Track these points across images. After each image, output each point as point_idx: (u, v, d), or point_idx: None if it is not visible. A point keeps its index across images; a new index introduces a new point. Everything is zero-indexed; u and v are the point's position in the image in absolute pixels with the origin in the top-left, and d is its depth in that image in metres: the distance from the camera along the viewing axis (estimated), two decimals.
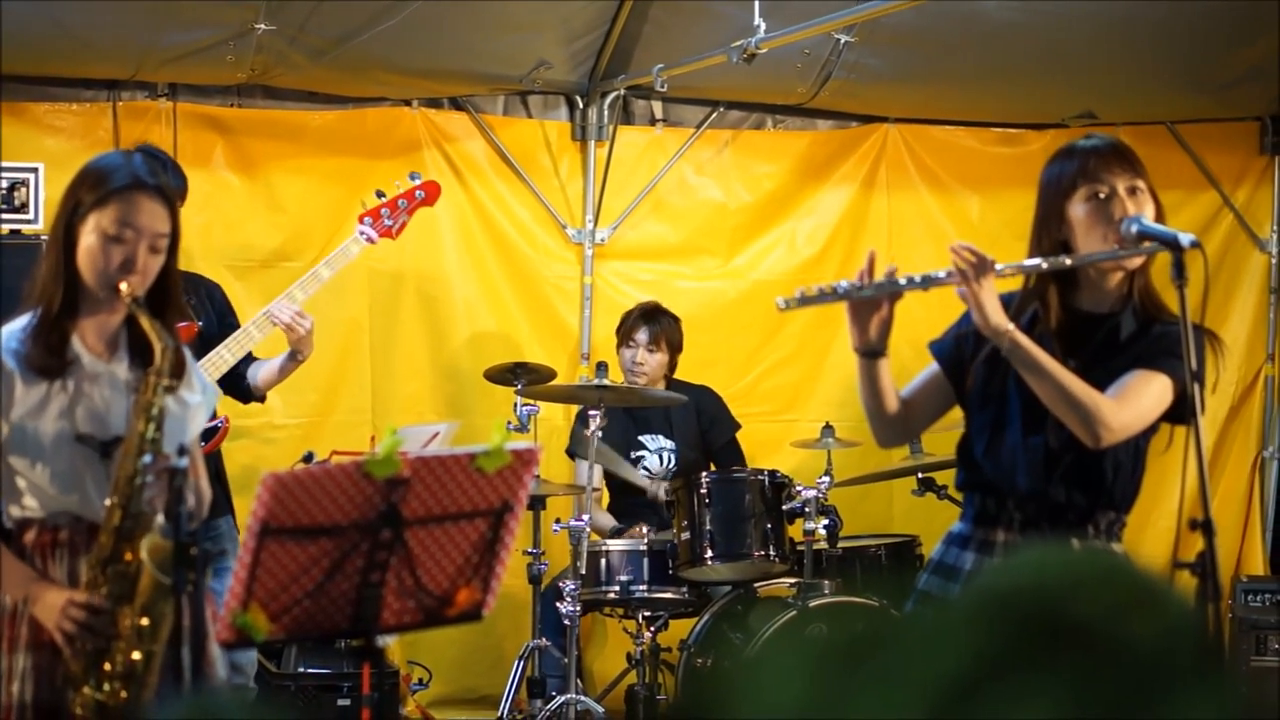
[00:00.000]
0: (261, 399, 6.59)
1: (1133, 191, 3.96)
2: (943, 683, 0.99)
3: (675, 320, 7.85)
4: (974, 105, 8.67)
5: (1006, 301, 4.03)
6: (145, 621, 3.86)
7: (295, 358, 6.33)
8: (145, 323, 3.96)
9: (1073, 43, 7.69)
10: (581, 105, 8.47)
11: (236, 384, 6.38)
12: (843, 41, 7.67)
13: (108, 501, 3.90)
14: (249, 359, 6.37)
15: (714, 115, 8.65)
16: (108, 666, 3.88)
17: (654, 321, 7.77)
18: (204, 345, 6.20)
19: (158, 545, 3.74)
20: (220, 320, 6.40)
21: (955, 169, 8.82)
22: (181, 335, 6.16)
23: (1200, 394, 3.76)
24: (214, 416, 6.27)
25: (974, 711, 0.98)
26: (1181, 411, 3.86)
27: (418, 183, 6.79)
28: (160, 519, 3.85)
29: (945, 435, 5.29)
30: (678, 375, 7.88)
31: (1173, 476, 3.81)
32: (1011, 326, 3.91)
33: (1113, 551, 4.06)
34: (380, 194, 6.70)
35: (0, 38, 6.81)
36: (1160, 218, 3.99)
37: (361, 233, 6.59)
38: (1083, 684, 0.96)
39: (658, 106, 8.66)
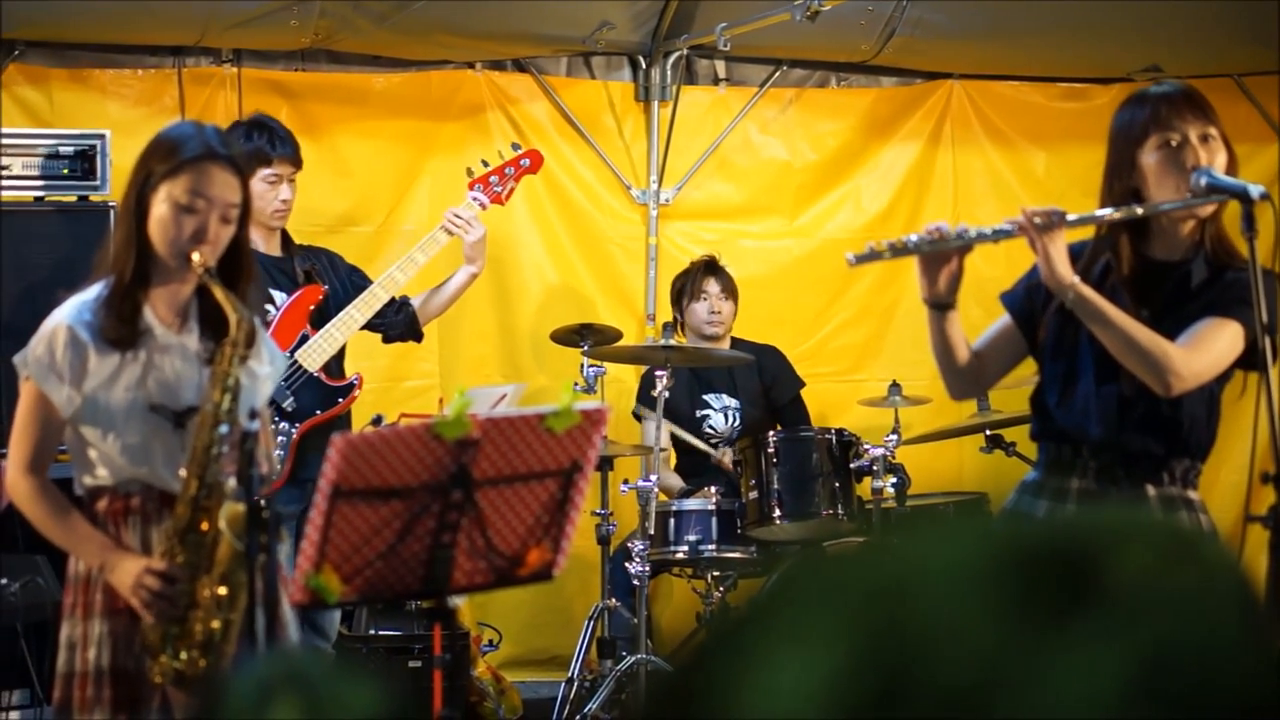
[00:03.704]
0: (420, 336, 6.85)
1: (1205, 139, 3.91)
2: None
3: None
4: (1039, 60, 8.60)
5: (1077, 251, 4.00)
6: (223, 591, 3.87)
7: (469, 268, 6.65)
8: (219, 293, 3.95)
9: None
10: (644, 65, 8.45)
11: (409, 324, 6.67)
12: None
13: (182, 472, 3.91)
14: (396, 304, 6.60)
15: (777, 74, 8.61)
16: (186, 635, 3.90)
17: (720, 273, 7.81)
18: (333, 308, 6.44)
19: (236, 514, 3.76)
20: (345, 281, 6.60)
21: (1021, 125, 8.76)
22: (309, 297, 6.32)
23: (1271, 345, 3.73)
24: (343, 376, 6.46)
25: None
26: (1255, 358, 3.83)
27: (521, 151, 6.98)
28: (232, 483, 3.87)
29: (1013, 392, 5.27)
30: (741, 334, 7.87)
31: (1243, 431, 3.80)
32: (1076, 279, 3.87)
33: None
34: (485, 163, 6.87)
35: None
36: (1233, 165, 3.94)
37: (474, 198, 6.76)
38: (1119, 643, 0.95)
39: (721, 66, 8.64)
